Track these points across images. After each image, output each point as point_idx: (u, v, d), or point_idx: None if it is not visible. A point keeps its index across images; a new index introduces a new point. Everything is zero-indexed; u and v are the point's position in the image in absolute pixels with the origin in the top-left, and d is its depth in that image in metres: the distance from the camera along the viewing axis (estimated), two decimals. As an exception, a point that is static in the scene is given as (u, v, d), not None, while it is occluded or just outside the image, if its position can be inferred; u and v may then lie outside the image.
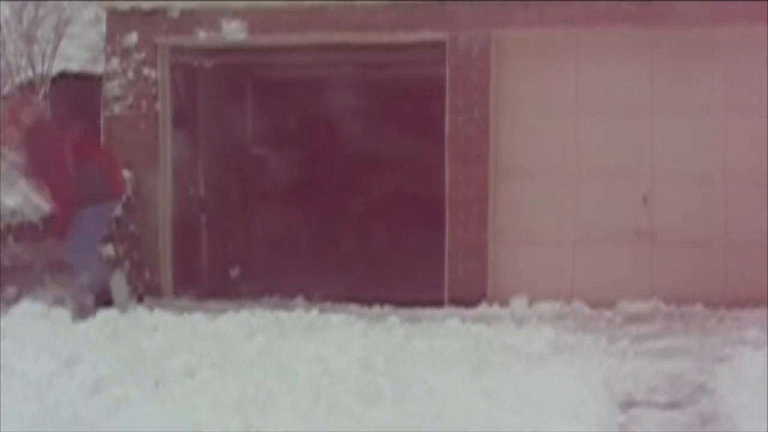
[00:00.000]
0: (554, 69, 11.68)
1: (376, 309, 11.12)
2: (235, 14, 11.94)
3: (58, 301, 10.79)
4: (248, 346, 7.75)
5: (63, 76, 14.44)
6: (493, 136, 11.66)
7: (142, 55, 12.16)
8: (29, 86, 14.02)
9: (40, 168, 10.70)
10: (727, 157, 11.41)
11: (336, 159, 15.70)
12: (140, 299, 11.75)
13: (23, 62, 13.73)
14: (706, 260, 11.37)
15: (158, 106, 12.21)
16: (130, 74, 12.17)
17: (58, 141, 10.63)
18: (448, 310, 10.84)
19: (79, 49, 14.35)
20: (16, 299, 10.31)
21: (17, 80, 13.85)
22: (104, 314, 10.03)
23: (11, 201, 10.47)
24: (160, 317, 10.24)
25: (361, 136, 15.94)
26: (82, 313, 10.28)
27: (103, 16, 12.63)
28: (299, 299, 12.09)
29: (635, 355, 8.63)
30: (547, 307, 11.03)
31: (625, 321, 10.44)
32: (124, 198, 11.43)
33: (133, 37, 12.16)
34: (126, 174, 11.71)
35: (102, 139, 12.28)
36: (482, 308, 11.11)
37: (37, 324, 9.66)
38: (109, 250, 11.58)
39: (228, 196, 14.39)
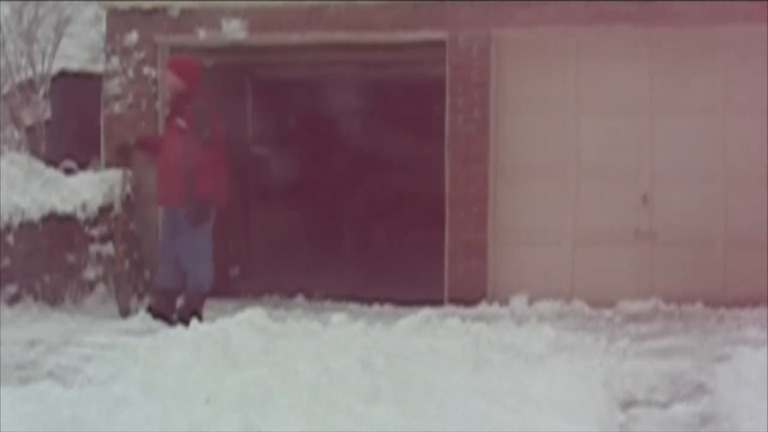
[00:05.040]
0: (554, 69, 11.68)
1: (376, 308, 11.13)
2: (236, 13, 11.94)
3: (58, 300, 10.82)
4: (248, 345, 7.75)
5: (63, 75, 14.46)
6: (493, 136, 11.66)
7: (142, 54, 12.16)
8: (29, 85, 14.03)
9: None
10: (727, 157, 11.40)
11: (336, 158, 15.70)
12: (140, 298, 11.76)
13: (23, 61, 13.76)
14: (706, 260, 11.37)
15: (158, 105, 12.21)
16: (130, 73, 12.17)
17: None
18: (448, 309, 10.84)
19: (79, 48, 14.38)
20: (17, 299, 10.33)
21: (17, 79, 13.86)
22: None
23: (16, 199, 10.48)
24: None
25: (361, 136, 15.94)
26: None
27: (103, 15, 12.64)
28: (299, 298, 12.10)
29: (635, 354, 8.63)
30: (547, 306, 11.03)
31: (625, 320, 10.44)
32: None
33: (133, 36, 12.16)
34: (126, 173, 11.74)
35: (102, 137, 12.28)
36: (482, 307, 11.12)
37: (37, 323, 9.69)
38: (108, 249, 11.58)
39: (228, 196, 14.37)
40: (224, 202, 10.23)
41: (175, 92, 10.18)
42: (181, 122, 9.98)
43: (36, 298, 10.53)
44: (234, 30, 11.93)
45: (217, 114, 10.21)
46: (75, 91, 14.61)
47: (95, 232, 11.43)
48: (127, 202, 11.83)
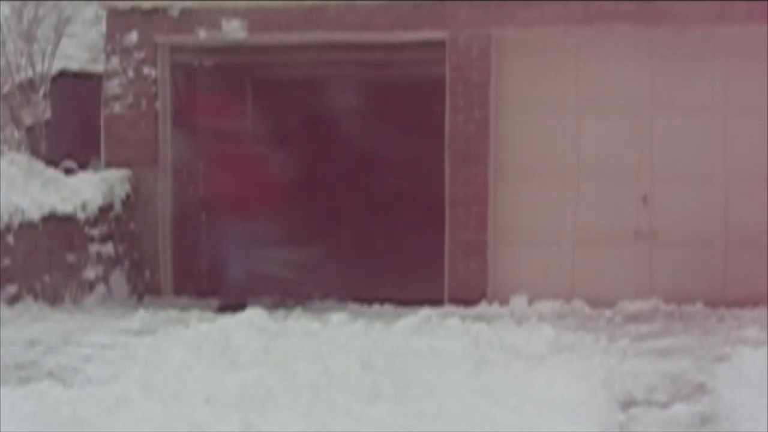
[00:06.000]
0: (554, 69, 11.68)
1: (376, 308, 11.13)
2: (235, 13, 11.94)
3: (58, 300, 10.82)
4: (248, 345, 7.75)
5: (63, 74, 14.45)
6: (493, 136, 11.66)
7: (142, 54, 12.16)
8: (29, 85, 14.03)
9: None
10: (727, 157, 11.40)
11: (336, 158, 15.68)
12: (140, 297, 11.76)
13: (23, 61, 13.75)
14: (706, 260, 11.36)
15: (158, 105, 12.21)
16: (130, 73, 12.16)
17: None
18: (448, 309, 10.83)
19: (79, 48, 14.37)
20: (17, 299, 10.33)
21: (17, 79, 13.86)
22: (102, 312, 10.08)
23: (16, 199, 10.48)
24: (160, 316, 10.29)
25: (360, 136, 15.91)
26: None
27: (103, 15, 12.64)
28: (299, 298, 12.09)
29: (635, 354, 8.62)
30: (547, 306, 11.02)
31: (625, 320, 10.43)
32: None
33: (133, 36, 12.16)
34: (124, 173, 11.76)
35: (102, 137, 12.28)
36: (482, 307, 11.11)
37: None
38: (108, 249, 11.58)
39: (228, 196, 14.36)
40: None
41: None
42: None
43: (36, 298, 10.53)
44: (234, 30, 11.93)
45: None
46: (75, 91, 14.60)
47: (95, 232, 11.43)
48: (127, 202, 11.84)
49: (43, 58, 13.70)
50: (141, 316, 10.08)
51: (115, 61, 12.23)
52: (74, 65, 14.48)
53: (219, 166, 13.99)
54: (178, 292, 12.28)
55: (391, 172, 15.59)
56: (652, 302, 11.07)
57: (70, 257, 11.09)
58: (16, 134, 14.24)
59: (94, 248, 11.41)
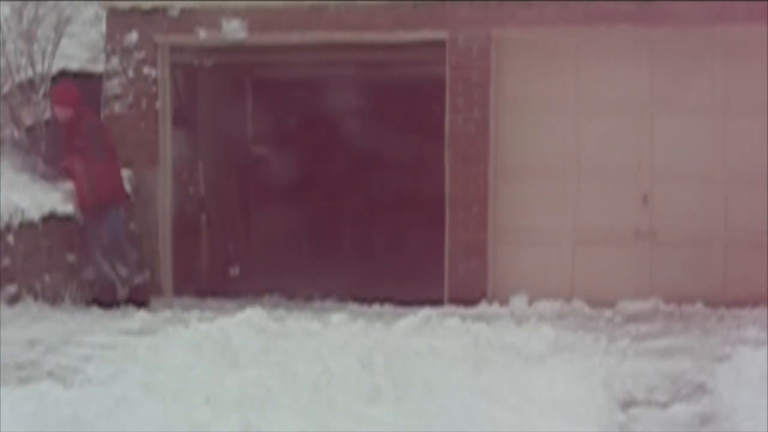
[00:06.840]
0: (554, 69, 11.68)
1: (376, 308, 11.13)
2: (236, 13, 11.94)
3: (58, 300, 10.82)
4: (248, 345, 7.75)
5: (63, 74, 14.42)
6: (493, 136, 11.66)
7: (142, 54, 12.17)
8: (29, 85, 14.01)
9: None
10: (727, 157, 11.41)
11: (336, 158, 15.71)
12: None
13: (23, 61, 13.70)
14: (706, 260, 11.37)
15: (158, 105, 12.21)
16: (130, 73, 12.17)
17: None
18: (448, 309, 10.84)
19: (79, 48, 14.33)
20: (17, 299, 10.33)
21: (17, 79, 13.83)
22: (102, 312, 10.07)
23: (17, 198, 10.48)
24: (160, 315, 10.29)
25: (360, 136, 15.94)
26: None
27: (103, 15, 12.64)
28: (299, 298, 12.10)
29: (635, 354, 8.63)
30: (547, 306, 11.03)
31: (625, 320, 10.43)
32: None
33: (133, 36, 12.17)
34: (125, 173, 11.76)
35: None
36: (482, 307, 11.11)
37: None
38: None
39: (228, 196, 14.39)
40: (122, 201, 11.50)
41: (66, 118, 11.39)
42: (78, 141, 11.17)
43: (36, 298, 10.53)
44: (234, 30, 11.93)
45: (107, 128, 11.68)
46: (75, 90, 14.58)
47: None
48: (127, 202, 11.83)
49: (43, 58, 13.63)
50: (141, 316, 10.09)
51: (115, 61, 12.24)
52: (74, 65, 14.44)
53: (219, 166, 14.01)
54: (178, 292, 12.29)
55: (391, 172, 15.61)
56: (652, 302, 11.07)
57: (70, 257, 11.09)
58: (16, 134, 14.21)
59: (94, 248, 11.40)
